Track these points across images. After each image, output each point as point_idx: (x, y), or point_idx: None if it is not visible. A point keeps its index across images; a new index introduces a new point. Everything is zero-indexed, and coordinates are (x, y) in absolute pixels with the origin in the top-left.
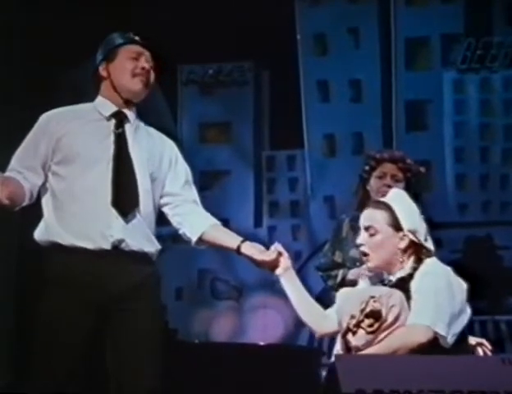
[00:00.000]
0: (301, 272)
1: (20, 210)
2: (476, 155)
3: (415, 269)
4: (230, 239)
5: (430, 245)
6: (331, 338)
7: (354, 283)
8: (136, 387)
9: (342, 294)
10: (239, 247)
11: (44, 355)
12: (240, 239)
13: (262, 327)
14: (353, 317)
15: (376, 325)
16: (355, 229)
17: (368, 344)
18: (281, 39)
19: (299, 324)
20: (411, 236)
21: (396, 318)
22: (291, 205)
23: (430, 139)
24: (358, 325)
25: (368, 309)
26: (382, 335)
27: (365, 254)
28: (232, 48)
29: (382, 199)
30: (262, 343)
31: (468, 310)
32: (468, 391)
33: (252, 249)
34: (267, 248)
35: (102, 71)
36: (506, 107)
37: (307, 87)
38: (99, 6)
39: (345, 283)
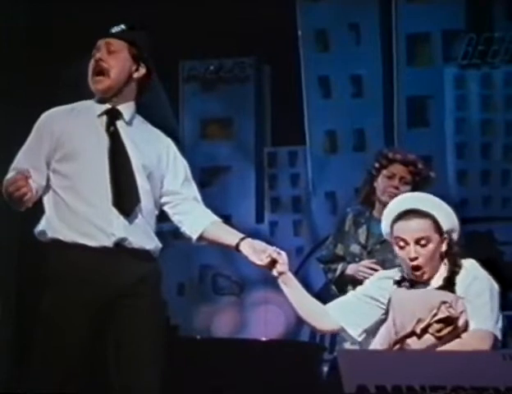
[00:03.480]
0: (302, 268)
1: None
2: (477, 151)
3: (454, 272)
4: (229, 237)
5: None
6: (333, 334)
7: (352, 278)
8: (137, 384)
9: (399, 296)
10: (237, 245)
11: (45, 354)
12: (240, 236)
13: (264, 323)
14: (420, 320)
15: (445, 330)
16: (358, 224)
17: (432, 348)
18: (282, 35)
19: (300, 320)
20: (447, 236)
21: (465, 324)
22: (293, 201)
23: (431, 134)
24: (425, 329)
25: (441, 315)
26: (449, 340)
27: (418, 269)
28: (233, 44)
29: (417, 208)
30: (263, 339)
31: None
32: (469, 386)
33: (249, 250)
34: (269, 244)
35: None
36: (507, 102)
37: (308, 83)
38: (100, 1)
39: (343, 278)
